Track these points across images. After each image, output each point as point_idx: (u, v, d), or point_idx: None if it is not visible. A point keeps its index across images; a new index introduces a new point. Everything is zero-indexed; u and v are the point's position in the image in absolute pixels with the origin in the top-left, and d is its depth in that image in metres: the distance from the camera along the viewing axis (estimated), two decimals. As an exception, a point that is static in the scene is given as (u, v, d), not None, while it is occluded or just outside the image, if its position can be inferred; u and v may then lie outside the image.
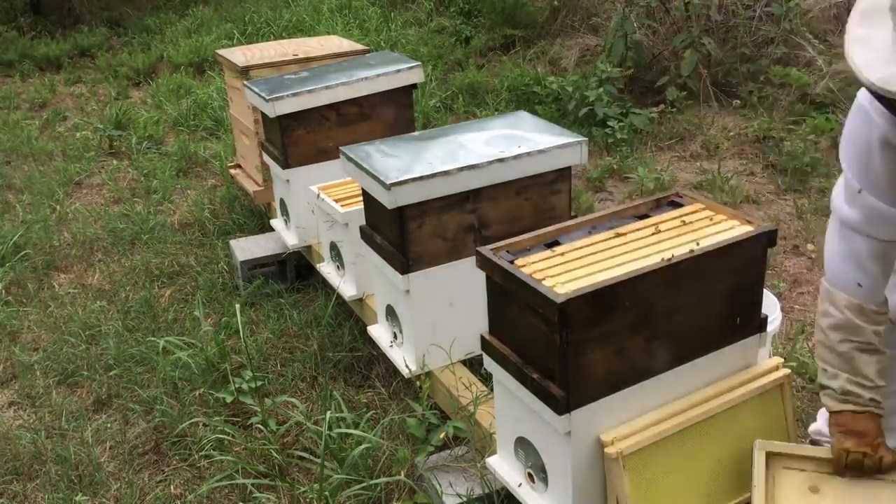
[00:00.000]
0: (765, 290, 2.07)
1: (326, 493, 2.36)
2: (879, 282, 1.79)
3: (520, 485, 2.02)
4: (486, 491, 2.24)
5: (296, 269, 3.64)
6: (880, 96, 1.42)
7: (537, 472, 1.96)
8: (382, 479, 2.41)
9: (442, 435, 2.37)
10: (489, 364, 2.00)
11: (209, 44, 7.44)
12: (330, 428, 2.43)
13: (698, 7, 5.25)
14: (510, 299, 1.87)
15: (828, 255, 1.87)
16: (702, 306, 1.90)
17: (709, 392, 1.94)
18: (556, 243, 1.98)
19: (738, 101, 5.03)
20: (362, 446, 2.45)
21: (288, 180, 3.35)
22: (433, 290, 2.50)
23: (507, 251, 1.93)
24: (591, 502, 1.88)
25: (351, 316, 3.27)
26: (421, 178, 2.34)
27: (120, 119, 5.90)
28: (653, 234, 1.98)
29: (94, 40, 8.35)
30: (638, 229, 2.01)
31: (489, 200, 2.47)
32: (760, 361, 2.05)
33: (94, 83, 7.29)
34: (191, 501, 2.51)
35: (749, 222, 1.99)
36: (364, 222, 2.68)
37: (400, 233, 2.42)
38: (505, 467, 2.08)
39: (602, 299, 1.73)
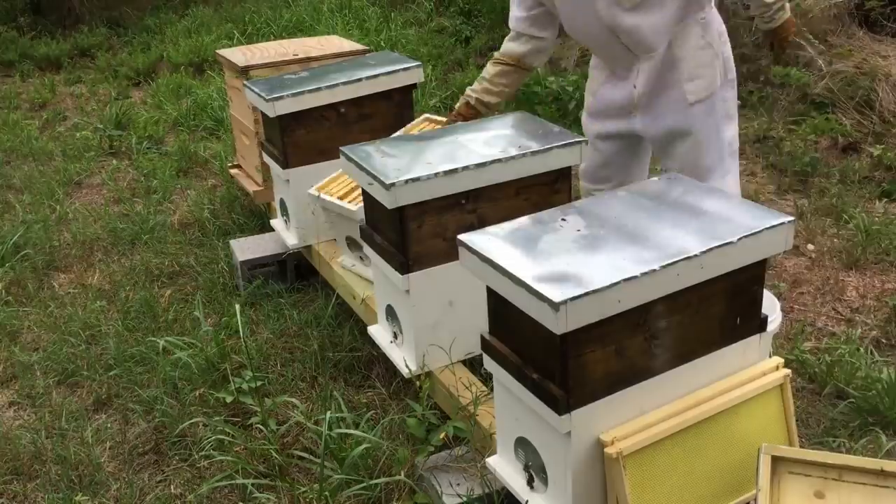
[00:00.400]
0: (765, 290, 2.07)
1: (326, 493, 2.36)
2: None
3: (527, 482, 2.02)
4: (486, 491, 2.24)
5: (296, 269, 3.64)
6: None
7: (537, 472, 1.96)
8: (382, 480, 2.41)
9: (442, 435, 2.37)
10: (489, 364, 2.00)
11: (209, 44, 7.44)
12: (330, 428, 2.43)
13: (698, 7, 5.25)
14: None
15: None
16: (702, 306, 1.90)
17: (709, 392, 1.94)
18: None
19: (739, 102, 5.02)
20: (362, 446, 2.45)
21: (288, 180, 3.35)
22: (433, 290, 2.50)
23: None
24: (591, 502, 1.88)
25: (351, 316, 3.27)
26: (421, 178, 2.34)
27: (120, 119, 5.90)
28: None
29: (94, 40, 8.36)
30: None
31: (489, 200, 2.47)
32: (760, 361, 2.05)
33: (94, 83, 7.29)
34: (191, 501, 2.51)
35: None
36: (364, 222, 2.69)
37: (400, 233, 2.42)
38: (505, 467, 2.08)
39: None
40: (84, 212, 4.59)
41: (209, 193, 4.69)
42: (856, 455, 2.38)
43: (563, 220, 1.99)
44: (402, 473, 2.40)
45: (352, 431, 2.52)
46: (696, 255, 1.79)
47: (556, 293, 1.66)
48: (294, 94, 3.20)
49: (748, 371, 2.02)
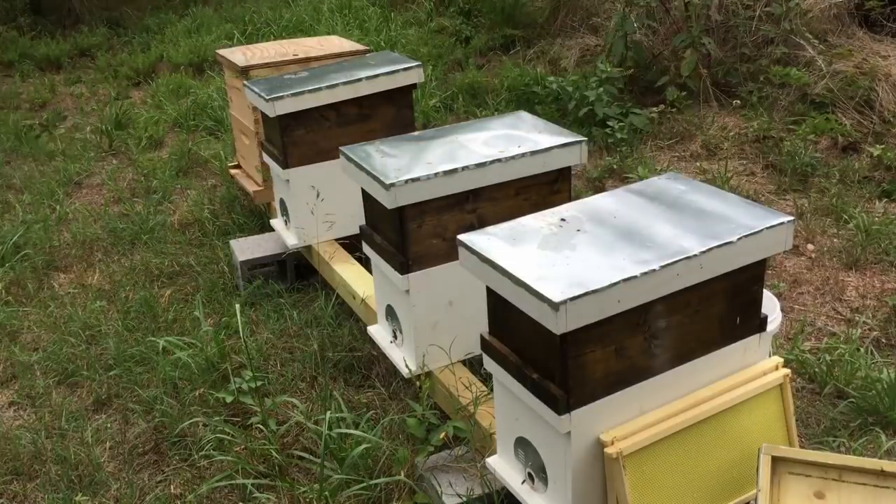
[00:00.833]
0: (765, 290, 2.07)
1: (326, 493, 2.36)
2: None
3: (523, 482, 2.02)
4: (486, 491, 2.24)
5: (296, 269, 3.64)
6: None
7: (537, 472, 1.96)
8: (382, 479, 2.41)
9: (442, 435, 2.37)
10: (489, 364, 2.00)
11: (209, 44, 7.44)
12: (330, 428, 2.44)
13: (698, 7, 5.25)
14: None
15: None
16: (702, 306, 1.90)
17: (708, 392, 1.94)
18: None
19: (738, 101, 5.03)
20: (362, 446, 2.45)
21: (288, 180, 3.35)
22: (433, 290, 2.50)
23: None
24: (591, 502, 1.88)
25: (351, 316, 3.28)
26: (420, 178, 2.34)
27: (120, 119, 5.90)
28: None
29: (94, 40, 8.36)
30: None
31: (489, 200, 2.47)
32: (760, 361, 2.05)
33: (94, 83, 7.29)
34: (191, 501, 2.51)
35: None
36: (364, 222, 2.69)
37: (400, 233, 2.42)
38: (505, 467, 2.08)
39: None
40: (84, 212, 4.59)
41: (209, 193, 4.69)
42: (856, 455, 2.38)
43: (562, 220, 1.99)
44: (402, 473, 2.40)
45: (352, 431, 2.52)
46: (695, 255, 1.79)
47: (556, 293, 1.67)
48: (294, 94, 3.20)
49: (748, 371, 2.02)
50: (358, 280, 3.14)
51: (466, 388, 2.48)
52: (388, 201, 2.34)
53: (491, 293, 1.94)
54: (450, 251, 2.47)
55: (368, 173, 2.42)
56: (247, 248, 3.69)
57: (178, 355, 3.00)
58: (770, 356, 2.09)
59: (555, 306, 1.65)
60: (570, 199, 2.60)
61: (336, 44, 4.13)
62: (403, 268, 2.45)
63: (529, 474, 1.99)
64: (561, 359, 1.75)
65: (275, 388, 2.95)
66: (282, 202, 3.57)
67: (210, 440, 2.66)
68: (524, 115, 2.76)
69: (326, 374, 3.01)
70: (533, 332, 1.80)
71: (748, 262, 1.90)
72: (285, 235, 3.56)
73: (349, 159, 2.55)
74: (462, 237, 1.96)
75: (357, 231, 2.77)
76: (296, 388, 2.97)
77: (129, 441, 2.79)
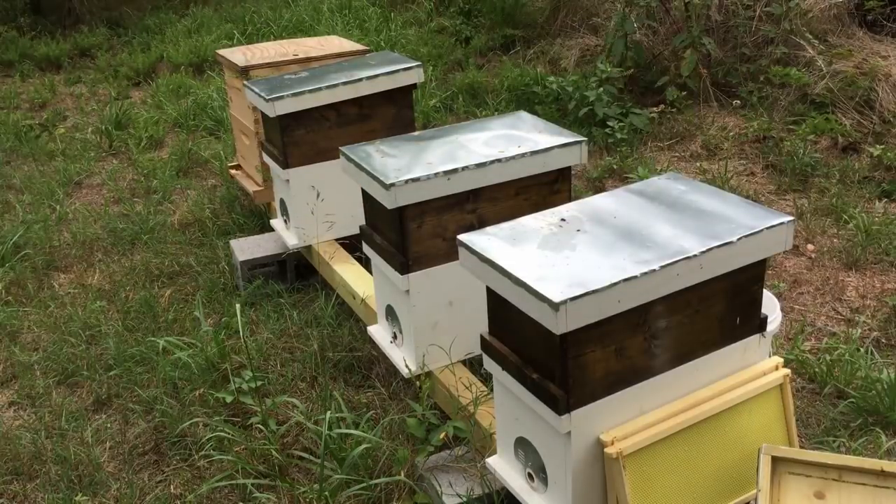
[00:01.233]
0: (765, 290, 2.07)
1: (326, 493, 2.36)
2: None
3: (527, 477, 2.02)
4: (486, 491, 2.24)
5: (296, 269, 3.64)
6: None
7: (537, 472, 1.96)
8: (382, 479, 2.41)
9: (442, 435, 2.37)
10: (489, 364, 2.00)
11: (209, 44, 7.44)
12: (330, 428, 2.44)
13: (698, 7, 5.25)
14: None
15: None
16: (702, 306, 1.90)
17: (708, 392, 1.94)
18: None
19: (738, 101, 5.03)
20: (362, 446, 2.45)
21: (288, 180, 3.35)
22: (433, 290, 2.50)
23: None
24: (591, 502, 1.89)
25: (351, 316, 3.28)
26: (420, 178, 2.34)
27: (120, 119, 5.90)
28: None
29: (94, 40, 8.36)
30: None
31: (489, 200, 2.47)
32: (760, 361, 2.05)
33: (94, 83, 7.29)
34: (191, 501, 2.51)
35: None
36: (364, 222, 2.69)
37: (400, 233, 2.42)
38: (505, 467, 2.08)
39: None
40: (84, 212, 4.59)
41: (209, 193, 4.70)
42: (856, 455, 2.38)
43: (562, 220, 1.99)
44: (402, 473, 2.40)
45: (352, 431, 2.52)
46: (695, 255, 1.79)
47: (556, 293, 1.67)
48: (294, 94, 3.20)
49: (748, 371, 2.02)
50: (358, 280, 3.14)
51: (466, 388, 2.48)
52: (388, 201, 2.34)
53: (491, 293, 1.94)
54: (450, 251, 2.47)
55: (368, 173, 2.42)
56: (247, 248, 3.69)
57: (178, 355, 3.00)
58: (770, 356, 2.09)
59: (555, 306, 1.65)
60: (570, 199, 2.60)
61: (336, 44, 4.13)
62: (403, 268, 2.45)
63: (529, 474, 1.99)
64: (561, 359, 1.75)
65: (275, 388, 2.95)
66: (282, 202, 3.57)
67: (210, 440, 2.66)
68: (524, 116, 2.76)
69: (326, 374, 3.01)
70: (533, 332, 1.80)
71: (748, 262, 1.90)
72: (285, 235, 3.56)
73: (349, 159, 2.55)
74: (462, 237, 1.96)
75: (357, 231, 2.77)
76: (296, 388, 2.97)
77: (129, 441, 2.79)
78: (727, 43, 5.39)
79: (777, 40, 5.13)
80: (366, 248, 2.67)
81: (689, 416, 1.88)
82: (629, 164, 4.57)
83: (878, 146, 4.32)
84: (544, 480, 1.94)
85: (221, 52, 4.15)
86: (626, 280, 1.71)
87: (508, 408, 2.01)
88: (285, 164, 3.32)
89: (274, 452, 2.57)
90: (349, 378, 3.01)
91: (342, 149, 2.61)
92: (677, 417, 1.87)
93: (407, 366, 2.58)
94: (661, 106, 5.13)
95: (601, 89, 5.04)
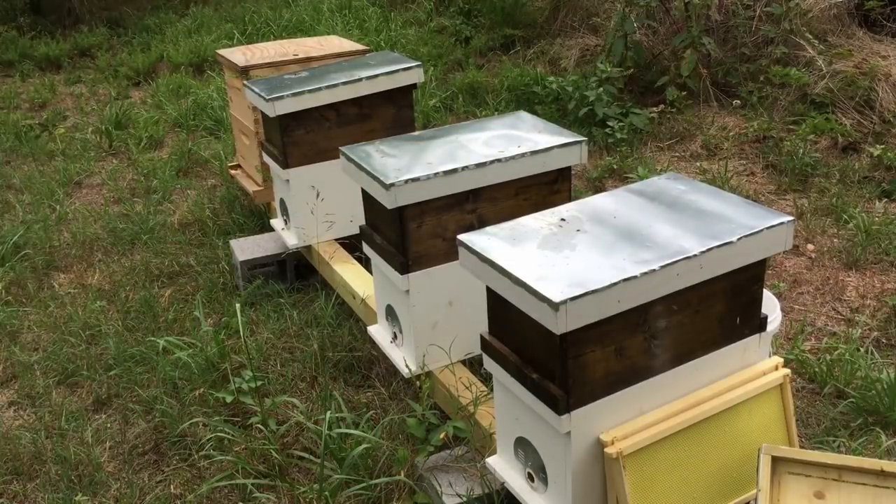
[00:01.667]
0: (765, 290, 2.07)
1: (326, 493, 2.36)
2: None
3: (527, 477, 2.02)
4: (486, 491, 2.24)
5: (296, 269, 3.64)
6: None
7: (537, 472, 1.96)
8: (382, 479, 2.41)
9: (442, 435, 2.37)
10: (489, 364, 2.00)
11: (209, 44, 7.44)
12: (330, 428, 2.44)
13: (698, 7, 5.25)
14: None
15: None
16: (702, 306, 1.90)
17: (708, 392, 1.94)
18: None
19: (738, 101, 5.03)
20: (362, 446, 2.45)
21: (288, 180, 3.35)
22: (433, 290, 2.50)
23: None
24: (591, 502, 1.88)
25: (351, 316, 3.28)
26: (420, 178, 2.34)
27: (120, 119, 5.90)
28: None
29: (94, 40, 8.36)
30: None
31: (489, 200, 2.47)
32: (760, 361, 2.05)
33: (94, 83, 7.29)
34: (191, 501, 2.51)
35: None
36: (364, 222, 2.69)
37: (400, 233, 2.42)
38: (505, 467, 2.08)
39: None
40: (84, 212, 4.59)
41: (209, 193, 4.70)
42: (856, 455, 2.38)
43: (562, 220, 1.99)
44: (402, 473, 2.40)
45: (352, 431, 2.52)
46: (695, 255, 1.79)
47: (555, 293, 1.67)
48: (294, 94, 3.20)
49: (748, 371, 2.02)
50: (358, 280, 3.14)
51: (466, 388, 2.48)
52: (388, 201, 2.34)
53: (491, 293, 1.94)
54: (450, 251, 2.47)
55: (368, 173, 2.42)
56: (247, 248, 3.69)
57: (178, 355, 3.00)
58: (770, 356, 2.09)
59: (555, 306, 1.65)
60: (570, 199, 2.60)
61: (336, 44, 4.13)
62: (403, 268, 2.45)
63: (529, 474, 1.99)
64: (561, 359, 1.75)
65: (275, 388, 2.95)
66: (282, 202, 3.57)
67: (210, 440, 2.66)
68: (524, 115, 2.76)
69: (326, 374, 3.01)
70: (533, 332, 1.80)
71: (748, 262, 1.90)
72: (285, 235, 3.56)
73: (349, 159, 2.55)
74: (462, 237, 1.96)
75: (357, 231, 2.77)
76: (296, 388, 2.97)
77: (129, 441, 2.79)
78: (727, 43, 5.39)
79: (777, 40, 5.13)
80: (366, 248, 2.67)
81: (689, 416, 1.88)
82: (629, 164, 4.57)
83: (878, 146, 4.32)
84: (544, 480, 1.95)
85: (221, 52, 4.15)
86: (626, 280, 1.71)
87: (508, 408, 2.01)
88: (285, 164, 3.32)
89: (274, 452, 2.57)
90: (349, 378, 3.01)
91: (342, 149, 2.61)
92: (677, 417, 1.87)
93: (407, 366, 2.58)
94: (661, 106, 5.13)
95: (601, 89, 5.04)
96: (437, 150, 2.52)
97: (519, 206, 2.50)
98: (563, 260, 1.80)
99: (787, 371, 2.03)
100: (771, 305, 2.45)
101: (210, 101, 6.00)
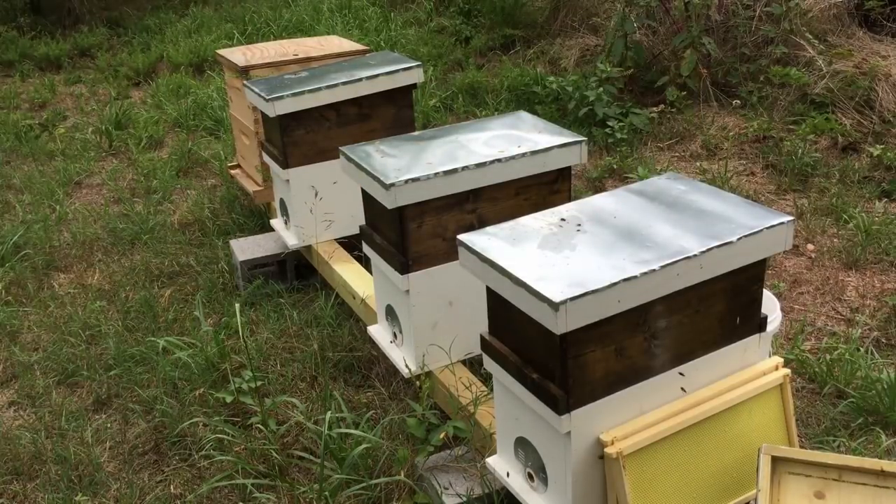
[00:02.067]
0: (765, 290, 2.07)
1: (326, 493, 2.36)
2: None
3: (527, 476, 2.02)
4: (486, 491, 2.24)
5: (296, 269, 3.64)
6: None
7: (537, 472, 1.96)
8: (382, 479, 2.41)
9: (442, 435, 2.37)
10: (489, 364, 2.00)
11: (209, 44, 7.44)
12: (330, 428, 2.43)
13: (698, 7, 5.26)
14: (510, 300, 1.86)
15: None
16: (702, 306, 1.90)
17: (708, 392, 1.94)
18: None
19: (738, 101, 5.03)
20: (362, 446, 2.45)
21: (288, 180, 3.35)
22: (433, 290, 2.50)
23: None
24: (591, 502, 1.88)
25: (351, 316, 3.28)
26: (420, 178, 2.34)
27: (120, 119, 5.90)
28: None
29: (94, 40, 8.36)
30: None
31: (489, 200, 2.47)
32: (760, 361, 2.05)
33: (94, 83, 7.29)
34: (191, 501, 2.51)
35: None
36: (364, 222, 2.69)
37: (400, 233, 2.42)
38: (505, 467, 2.08)
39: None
40: (84, 212, 4.59)
41: (209, 193, 4.70)
42: (856, 455, 2.38)
43: (562, 220, 1.99)
44: (402, 473, 2.40)
45: (352, 431, 2.52)
46: (695, 255, 1.79)
47: (556, 293, 1.67)
48: (294, 94, 3.20)
49: (748, 371, 2.02)
50: (358, 280, 3.14)
51: (466, 388, 2.48)
52: (388, 201, 2.34)
53: (491, 293, 1.94)
54: (450, 251, 2.47)
55: (368, 173, 2.42)
56: (247, 248, 3.69)
57: (178, 355, 3.00)
58: (770, 356, 2.09)
59: (555, 306, 1.65)
60: (570, 199, 2.60)
61: (336, 44, 4.13)
62: (403, 268, 2.45)
63: (529, 474, 1.99)
64: (561, 359, 1.75)
65: (275, 388, 2.95)
66: (282, 202, 3.57)
67: (210, 440, 2.66)
68: (524, 115, 2.76)
69: (326, 374, 3.01)
70: (533, 332, 1.80)
71: (748, 262, 1.90)
72: (285, 235, 3.56)
73: (349, 159, 2.55)
74: (462, 237, 1.96)
75: (357, 231, 2.77)
76: (296, 388, 2.97)
77: (129, 441, 2.79)
78: (727, 43, 5.39)
79: (777, 40, 5.13)
80: (366, 248, 2.67)
81: (689, 416, 1.88)
82: (629, 164, 4.57)
83: (878, 146, 4.33)
84: (544, 480, 1.94)
85: (221, 52, 4.15)
86: (626, 280, 1.71)
87: (508, 408, 2.01)
88: (285, 164, 3.32)
89: (274, 452, 2.57)
90: (349, 378, 3.01)
91: (342, 149, 2.61)
92: (677, 417, 1.87)
93: (407, 366, 2.58)
94: (661, 106, 5.13)
95: (601, 89, 5.04)
96: (437, 150, 2.52)
97: (519, 206, 2.50)
98: (564, 260, 1.80)
99: (787, 371, 2.03)
100: (771, 305, 2.45)
101: (210, 101, 6.00)
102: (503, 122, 2.70)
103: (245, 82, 3.49)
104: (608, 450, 1.80)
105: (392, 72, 3.31)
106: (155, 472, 2.67)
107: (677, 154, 4.79)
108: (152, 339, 3.21)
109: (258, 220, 4.21)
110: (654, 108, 5.11)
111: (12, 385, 3.16)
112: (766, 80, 5.01)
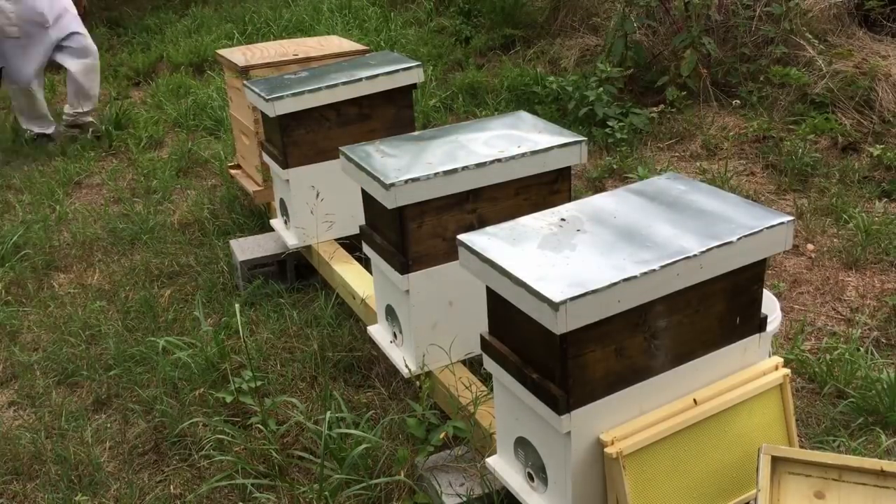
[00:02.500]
0: (765, 290, 2.07)
1: (326, 493, 2.36)
2: None
3: (527, 476, 2.02)
4: (486, 491, 2.24)
5: (296, 269, 3.64)
6: None
7: (537, 472, 1.96)
8: (382, 479, 2.41)
9: (442, 435, 2.37)
10: (489, 364, 2.00)
11: (209, 44, 7.44)
12: (330, 428, 2.44)
13: (698, 7, 5.25)
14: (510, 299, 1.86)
15: None
16: (701, 306, 1.90)
17: (708, 392, 1.94)
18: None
19: (738, 101, 5.03)
20: (362, 446, 2.45)
21: (288, 180, 3.35)
22: (433, 290, 2.50)
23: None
24: (591, 502, 1.89)
25: (351, 316, 3.28)
26: (420, 178, 2.34)
27: (120, 119, 5.90)
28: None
29: (94, 40, 8.34)
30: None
31: (489, 200, 2.47)
32: (760, 361, 2.05)
33: (94, 83, 7.28)
34: (191, 501, 2.51)
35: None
36: (364, 222, 2.69)
37: (400, 233, 2.42)
38: (505, 467, 2.08)
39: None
40: (84, 212, 4.59)
41: (209, 193, 4.69)
42: (856, 455, 2.38)
43: (562, 220, 1.99)
44: (402, 473, 2.40)
45: (352, 431, 2.52)
46: (695, 255, 1.79)
47: (555, 293, 1.67)
48: (294, 94, 3.20)
49: (748, 371, 2.02)
50: (358, 280, 3.14)
51: (466, 388, 2.48)
52: (388, 201, 2.34)
53: (491, 293, 1.94)
54: (450, 251, 2.47)
55: (368, 173, 2.42)
56: (247, 248, 3.69)
57: (178, 355, 3.00)
58: (770, 356, 2.09)
59: (555, 306, 1.65)
60: (570, 199, 2.60)
61: (336, 44, 4.13)
62: (403, 268, 2.45)
63: (529, 474, 1.99)
64: (561, 359, 1.75)
65: (275, 388, 2.95)
66: (282, 202, 3.57)
67: (210, 440, 2.66)
68: (524, 115, 2.76)
69: (326, 374, 3.01)
70: (533, 332, 1.80)
71: (748, 262, 1.90)
72: (285, 235, 3.56)
73: (349, 159, 2.55)
74: (462, 237, 1.96)
75: (357, 231, 2.77)
76: (296, 388, 2.97)
77: (129, 441, 2.79)
78: (727, 43, 5.39)
79: (777, 40, 5.13)
80: (366, 248, 2.67)
81: (689, 416, 1.88)
82: (629, 164, 4.57)
83: (877, 146, 4.32)
84: (544, 480, 1.95)
85: (221, 52, 4.14)
86: (625, 280, 1.71)
87: (508, 408, 2.01)
88: (285, 164, 3.32)
89: (274, 452, 2.57)
90: (349, 378, 3.01)
91: (342, 149, 2.61)
92: (677, 417, 1.87)
93: (407, 366, 2.58)
94: (661, 106, 5.13)
95: (601, 89, 5.04)
96: (437, 150, 2.52)
97: (519, 206, 2.50)
98: (563, 260, 1.80)
99: (787, 371, 2.03)
100: (771, 305, 2.45)
101: (210, 101, 6.00)
102: (503, 122, 2.70)
103: (245, 82, 3.49)
104: (608, 450, 1.80)
105: (392, 72, 3.31)
106: (155, 472, 2.67)
107: (677, 154, 4.79)
108: (152, 339, 3.21)
109: (258, 220, 4.21)
110: (654, 108, 5.11)
111: (12, 385, 3.16)
112: (766, 80, 5.01)
